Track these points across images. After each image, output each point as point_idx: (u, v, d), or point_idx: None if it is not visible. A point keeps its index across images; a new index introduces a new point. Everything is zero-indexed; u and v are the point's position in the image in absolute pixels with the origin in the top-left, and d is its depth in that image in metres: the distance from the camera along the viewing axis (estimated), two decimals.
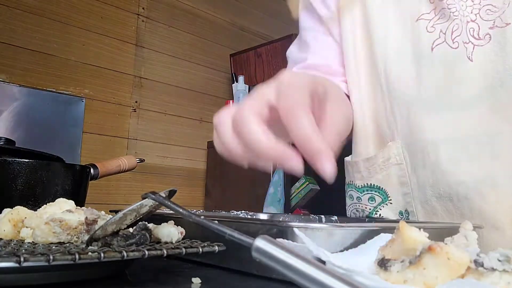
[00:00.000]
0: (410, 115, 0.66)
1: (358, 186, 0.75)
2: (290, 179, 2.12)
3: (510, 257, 0.29)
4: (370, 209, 0.73)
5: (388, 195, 0.70)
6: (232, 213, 0.79)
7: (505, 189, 0.58)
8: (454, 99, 0.62)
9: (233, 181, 2.39)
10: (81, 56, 2.14)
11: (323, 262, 0.32)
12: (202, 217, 0.34)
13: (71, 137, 2.06)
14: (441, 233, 0.52)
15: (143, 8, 2.40)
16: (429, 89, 0.64)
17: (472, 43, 0.61)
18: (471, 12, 0.62)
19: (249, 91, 2.52)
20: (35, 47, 1.99)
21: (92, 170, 0.81)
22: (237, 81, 2.52)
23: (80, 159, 2.05)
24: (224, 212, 0.83)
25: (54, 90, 2.03)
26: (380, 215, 0.72)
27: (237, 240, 0.30)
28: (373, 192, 0.73)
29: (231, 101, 2.50)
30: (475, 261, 0.29)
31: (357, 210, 0.75)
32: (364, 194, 0.74)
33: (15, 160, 0.60)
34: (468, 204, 0.60)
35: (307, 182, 2.20)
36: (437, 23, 0.64)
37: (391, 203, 0.70)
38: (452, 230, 0.53)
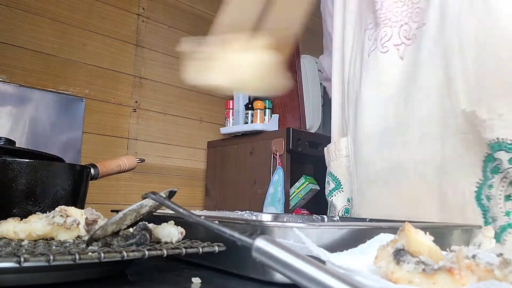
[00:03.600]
0: (356, 112, 0.75)
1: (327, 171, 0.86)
2: (290, 179, 2.12)
3: None
4: (327, 192, 0.85)
5: (341, 183, 0.81)
6: (236, 213, 0.79)
7: (411, 173, 0.66)
8: (385, 95, 0.70)
9: (233, 181, 2.39)
10: (81, 56, 2.14)
11: (323, 262, 0.32)
12: (202, 217, 0.34)
13: (71, 137, 2.05)
14: (440, 232, 0.52)
15: (143, 8, 2.40)
16: (366, 89, 0.73)
17: (404, 44, 0.69)
18: (406, 16, 0.69)
19: None
20: (35, 47, 1.99)
21: (92, 170, 0.81)
22: None
23: (80, 159, 2.04)
24: (227, 212, 0.83)
25: (54, 90, 2.03)
26: (332, 200, 0.82)
27: (237, 240, 0.30)
28: (329, 177, 0.84)
29: (231, 101, 2.50)
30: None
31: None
32: (326, 178, 0.86)
33: (15, 160, 0.60)
34: (388, 188, 0.69)
35: (307, 182, 2.20)
36: (373, 33, 0.74)
37: (343, 191, 0.80)
38: (449, 230, 0.53)
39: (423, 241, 0.31)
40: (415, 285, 0.28)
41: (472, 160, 0.59)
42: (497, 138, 0.56)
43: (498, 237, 0.57)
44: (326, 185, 0.85)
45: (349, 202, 0.79)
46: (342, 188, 0.81)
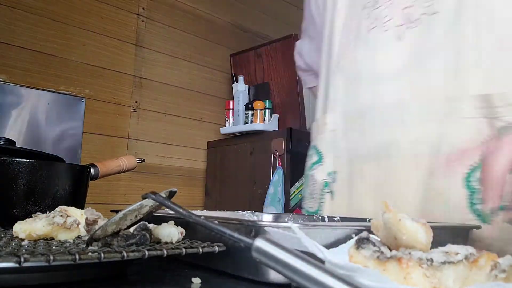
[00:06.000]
0: (349, 86, 0.77)
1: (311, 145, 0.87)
2: (290, 179, 2.12)
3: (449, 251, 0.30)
4: (309, 165, 0.85)
5: (322, 156, 0.82)
6: (237, 213, 0.79)
7: (407, 152, 0.67)
8: (383, 73, 0.71)
9: (233, 181, 2.39)
10: (81, 56, 2.14)
11: (322, 262, 0.32)
12: (202, 217, 0.34)
13: (71, 137, 2.06)
14: (437, 232, 0.52)
15: (143, 8, 2.40)
16: (363, 64, 0.75)
17: (405, 25, 0.70)
18: None
19: (249, 91, 2.52)
20: (35, 47, 1.99)
21: (92, 170, 0.81)
22: (237, 81, 2.52)
23: (80, 159, 2.05)
24: (228, 212, 0.82)
25: (54, 90, 2.03)
26: (313, 174, 0.82)
27: (237, 240, 0.30)
28: (313, 150, 0.85)
29: (231, 101, 2.50)
30: (426, 259, 0.29)
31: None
32: (309, 152, 0.87)
33: (15, 160, 0.60)
34: (378, 164, 0.70)
35: None
36: (372, 11, 0.75)
37: (323, 164, 0.81)
38: (452, 230, 0.53)
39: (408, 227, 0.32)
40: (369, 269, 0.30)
41: (473, 144, 0.61)
42: (507, 122, 0.58)
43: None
44: (308, 158, 0.86)
45: (329, 175, 0.80)
46: (323, 162, 0.82)
